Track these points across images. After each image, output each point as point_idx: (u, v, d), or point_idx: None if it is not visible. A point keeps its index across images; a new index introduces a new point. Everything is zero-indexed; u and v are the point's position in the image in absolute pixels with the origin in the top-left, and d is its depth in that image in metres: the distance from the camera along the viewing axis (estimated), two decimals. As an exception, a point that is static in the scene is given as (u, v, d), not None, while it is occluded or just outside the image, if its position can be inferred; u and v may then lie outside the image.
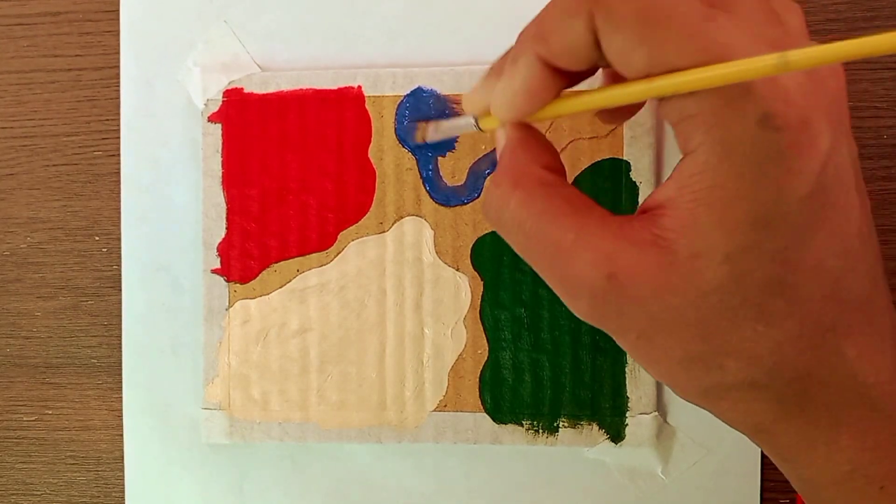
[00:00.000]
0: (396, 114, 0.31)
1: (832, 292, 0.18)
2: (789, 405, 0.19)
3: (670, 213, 0.18)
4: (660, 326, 0.18)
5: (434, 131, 0.29)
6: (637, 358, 0.20)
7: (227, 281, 0.31)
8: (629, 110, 0.24)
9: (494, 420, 0.30)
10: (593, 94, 0.19)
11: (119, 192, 0.33)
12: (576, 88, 0.20)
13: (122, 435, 0.33)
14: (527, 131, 0.21)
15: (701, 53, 0.16)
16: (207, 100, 0.31)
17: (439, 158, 0.31)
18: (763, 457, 0.30)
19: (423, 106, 0.31)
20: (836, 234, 0.18)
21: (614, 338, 0.20)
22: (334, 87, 0.31)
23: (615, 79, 0.22)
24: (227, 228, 0.31)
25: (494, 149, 0.29)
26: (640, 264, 0.18)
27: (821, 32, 0.30)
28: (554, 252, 0.19)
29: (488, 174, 0.30)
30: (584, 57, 0.18)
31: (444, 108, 0.31)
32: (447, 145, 0.30)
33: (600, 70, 0.20)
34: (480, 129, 0.24)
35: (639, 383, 0.30)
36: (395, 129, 0.31)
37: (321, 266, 0.31)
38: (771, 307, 0.18)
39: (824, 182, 0.17)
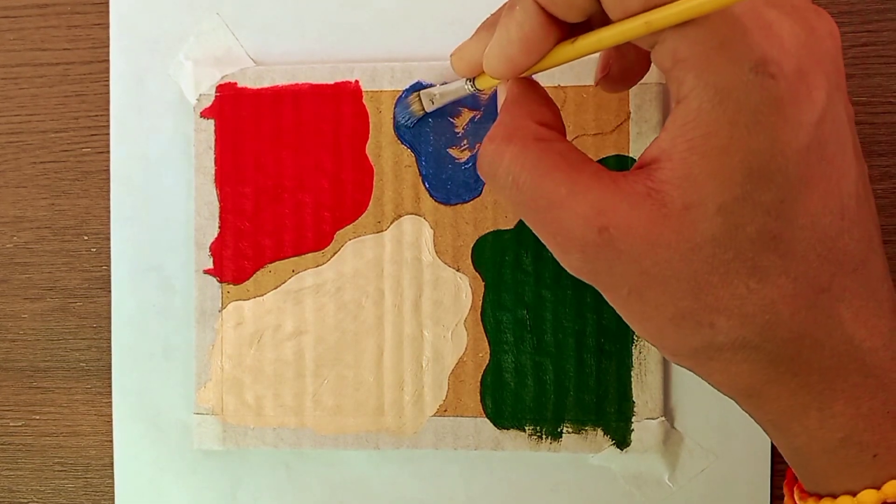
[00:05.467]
0: (395, 109, 0.30)
1: (828, 252, 0.18)
2: (782, 367, 0.18)
3: (664, 165, 0.17)
4: (651, 281, 0.18)
5: (430, 101, 0.28)
6: (627, 315, 0.20)
7: (220, 282, 0.30)
8: (631, 75, 0.23)
9: (496, 425, 0.30)
10: (586, 38, 0.19)
11: (108, 191, 0.32)
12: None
13: (111, 441, 0.32)
14: (525, 86, 0.21)
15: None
16: (200, 95, 0.31)
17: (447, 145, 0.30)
18: (773, 463, 0.30)
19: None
20: (833, 192, 0.18)
21: (605, 294, 0.20)
22: (331, 81, 0.30)
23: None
24: (220, 227, 0.30)
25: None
26: (633, 217, 0.18)
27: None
28: (546, 206, 0.19)
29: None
30: (581, 5, 0.18)
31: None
32: (451, 112, 0.30)
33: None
34: (477, 89, 0.23)
35: (645, 387, 0.29)
36: (394, 125, 0.30)
37: (317, 266, 0.30)
38: (764, 262, 0.17)
39: (821, 136, 0.17)
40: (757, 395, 0.19)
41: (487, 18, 0.21)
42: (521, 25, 0.19)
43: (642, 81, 0.29)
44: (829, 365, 0.18)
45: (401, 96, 0.30)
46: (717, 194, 0.17)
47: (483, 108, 0.30)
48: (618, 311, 0.20)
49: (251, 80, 0.30)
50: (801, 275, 0.18)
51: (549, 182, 0.19)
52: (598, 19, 0.18)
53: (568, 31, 0.19)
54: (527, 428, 0.30)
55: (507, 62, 0.20)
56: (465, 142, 0.30)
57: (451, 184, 0.30)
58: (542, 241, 0.20)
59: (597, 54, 0.21)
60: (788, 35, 0.16)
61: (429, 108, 0.29)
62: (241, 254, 0.30)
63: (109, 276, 0.32)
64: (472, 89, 0.23)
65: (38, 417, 0.33)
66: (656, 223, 0.17)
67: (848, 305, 0.18)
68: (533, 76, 0.21)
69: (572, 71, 0.29)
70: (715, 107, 0.17)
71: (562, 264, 0.20)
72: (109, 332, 0.32)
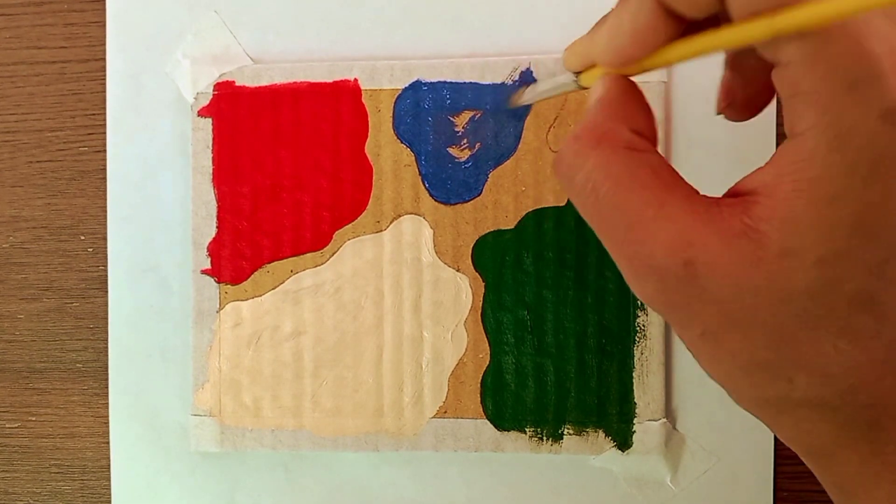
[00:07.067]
0: (394, 108, 0.30)
1: None
2: (857, 432, 0.17)
3: (765, 202, 0.16)
4: (730, 326, 0.17)
5: (531, 93, 0.27)
6: (697, 355, 0.18)
7: (218, 282, 0.30)
8: (756, 104, 0.22)
9: (496, 427, 0.29)
10: (703, 37, 0.17)
11: (105, 190, 0.32)
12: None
13: (108, 442, 0.32)
14: (624, 87, 0.19)
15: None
16: (197, 93, 0.30)
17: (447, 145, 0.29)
18: (776, 465, 0.29)
19: (421, 100, 0.29)
20: None
21: (675, 329, 0.18)
22: (330, 79, 0.30)
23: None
24: (217, 227, 0.30)
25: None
26: (723, 255, 0.16)
27: None
28: (628, 225, 0.17)
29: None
30: (704, 0, 0.16)
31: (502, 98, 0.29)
32: (451, 110, 0.29)
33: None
34: (581, 87, 0.21)
35: (646, 389, 0.29)
36: (393, 123, 0.30)
37: (316, 266, 0.30)
38: (857, 323, 0.16)
39: None
40: (826, 455, 0.18)
41: (606, 14, 0.20)
42: (634, 17, 0.17)
43: (644, 80, 0.29)
44: None
45: (402, 104, 0.29)
46: (819, 245, 0.16)
47: (484, 107, 0.29)
48: (686, 347, 0.19)
49: (249, 79, 0.30)
50: (894, 340, 0.16)
51: (634, 199, 0.17)
52: (720, 21, 0.17)
53: (685, 28, 0.18)
54: (527, 429, 0.29)
55: (615, 52, 0.18)
56: (465, 141, 0.29)
57: (450, 183, 0.30)
58: (614, 260, 0.18)
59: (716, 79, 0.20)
60: None
61: (529, 101, 0.27)
62: (238, 254, 0.30)
63: (106, 276, 0.32)
64: (577, 86, 0.22)
65: (34, 419, 0.32)
66: (748, 266, 0.16)
67: None
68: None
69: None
70: (833, 151, 0.15)
71: (631, 288, 0.18)
72: (106, 332, 0.32)
